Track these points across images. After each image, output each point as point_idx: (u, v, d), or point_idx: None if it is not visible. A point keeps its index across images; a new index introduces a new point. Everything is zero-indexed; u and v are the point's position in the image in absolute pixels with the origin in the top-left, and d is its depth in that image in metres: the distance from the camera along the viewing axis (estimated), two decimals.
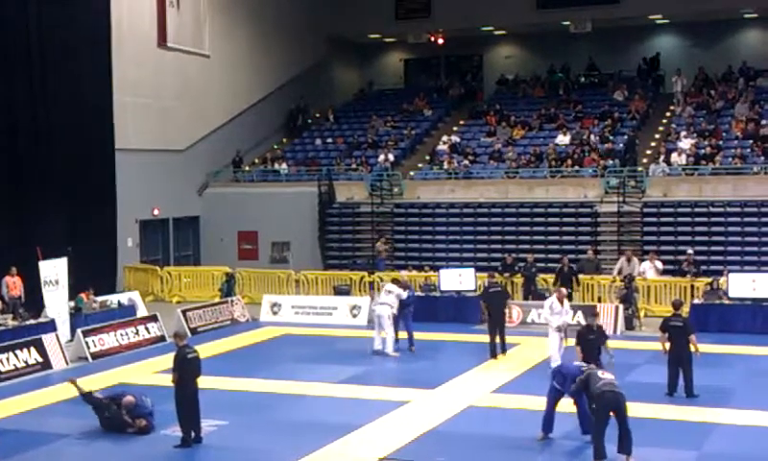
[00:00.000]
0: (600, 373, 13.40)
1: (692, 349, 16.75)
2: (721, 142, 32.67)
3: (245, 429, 15.36)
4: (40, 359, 20.04)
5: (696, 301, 24.22)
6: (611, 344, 16.51)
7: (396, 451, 13.86)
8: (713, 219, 29.52)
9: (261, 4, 38.32)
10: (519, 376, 18.97)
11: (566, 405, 14.27)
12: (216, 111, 36.28)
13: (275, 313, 26.74)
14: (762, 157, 31.05)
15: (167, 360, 15.75)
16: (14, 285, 23.75)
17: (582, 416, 13.99)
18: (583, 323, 20.30)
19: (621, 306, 23.85)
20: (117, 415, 15.10)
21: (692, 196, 30.37)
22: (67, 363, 20.59)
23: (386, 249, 32.13)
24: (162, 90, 33.48)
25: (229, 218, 35.04)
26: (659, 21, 39.74)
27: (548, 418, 14.29)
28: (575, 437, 14.19)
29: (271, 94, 39.27)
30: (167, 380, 14.76)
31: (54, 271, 23.05)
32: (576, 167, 32.71)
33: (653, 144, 34.72)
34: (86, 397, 15.54)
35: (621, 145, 33.84)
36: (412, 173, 35.12)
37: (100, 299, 25.64)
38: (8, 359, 19.35)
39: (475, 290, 25.24)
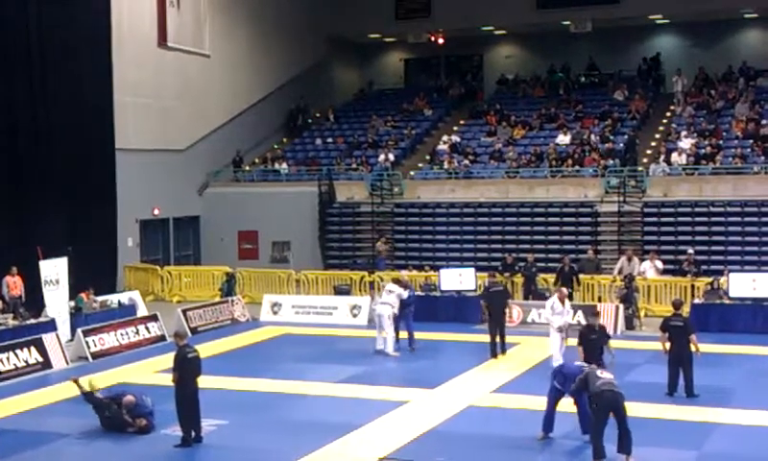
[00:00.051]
0: (599, 372, 13.38)
1: (693, 348, 16.75)
2: (721, 142, 32.65)
3: (245, 429, 15.36)
4: (41, 359, 20.05)
5: (696, 300, 24.22)
6: (611, 344, 16.49)
7: (395, 451, 13.86)
8: (714, 219, 29.50)
9: (261, 4, 38.30)
10: (519, 375, 18.97)
11: (566, 405, 14.26)
12: (216, 111, 36.26)
13: (275, 313, 26.74)
14: (762, 157, 31.04)
15: (167, 360, 15.74)
16: (15, 285, 23.78)
17: (582, 416, 13.97)
18: (583, 322, 20.31)
19: (621, 306, 23.83)
20: (117, 414, 15.10)
21: (692, 196, 30.35)
22: (67, 363, 20.60)
23: (386, 248, 32.12)
24: (162, 90, 33.47)
25: (230, 218, 35.01)
26: (659, 21, 39.71)
27: (548, 417, 14.28)
28: (575, 437, 14.18)
29: (271, 94, 39.25)
30: (167, 380, 14.76)
31: (54, 270, 23.06)
32: (576, 167, 32.70)
33: (653, 144, 34.70)
34: (87, 396, 15.55)
35: (621, 145, 33.83)
36: (412, 173, 35.11)
37: (100, 298, 25.65)
38: (8, 359, 19.36)
39: (475, 290, 25.26)
